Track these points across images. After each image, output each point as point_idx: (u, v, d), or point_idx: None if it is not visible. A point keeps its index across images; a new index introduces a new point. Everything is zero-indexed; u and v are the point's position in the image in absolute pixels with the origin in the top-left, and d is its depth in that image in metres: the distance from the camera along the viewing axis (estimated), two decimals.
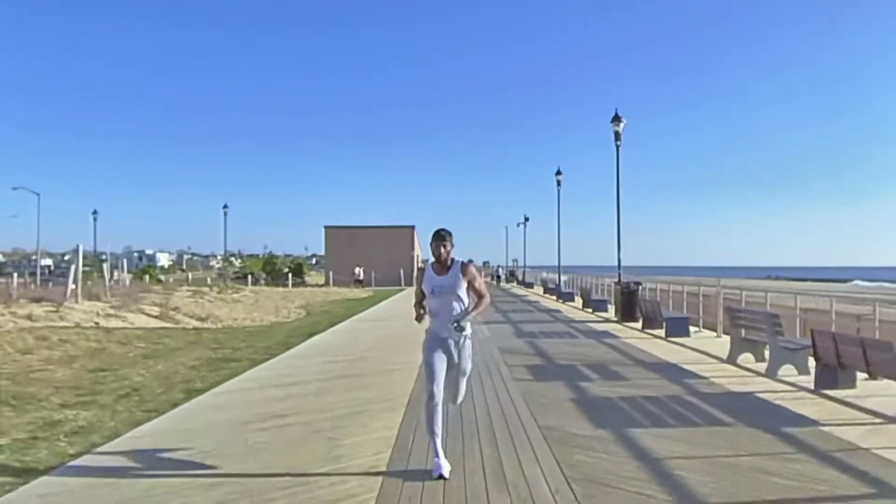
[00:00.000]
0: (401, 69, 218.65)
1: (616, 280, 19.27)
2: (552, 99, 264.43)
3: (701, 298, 15.90)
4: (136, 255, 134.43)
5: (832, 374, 7.66)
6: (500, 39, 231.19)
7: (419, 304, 4.81)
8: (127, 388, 8.33)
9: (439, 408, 4.54)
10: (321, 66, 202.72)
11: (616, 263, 19.41)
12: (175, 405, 7.22)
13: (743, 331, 10.30)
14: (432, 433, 4.53)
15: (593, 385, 8.27)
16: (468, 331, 4.68)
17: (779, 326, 9.10)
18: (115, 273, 35.23)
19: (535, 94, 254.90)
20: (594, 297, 23.10)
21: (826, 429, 5.91)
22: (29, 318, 13.10)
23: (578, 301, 26.17)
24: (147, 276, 49.96)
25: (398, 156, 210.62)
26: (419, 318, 4.79)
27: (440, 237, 4.68)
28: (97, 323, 13.93)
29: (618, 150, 19.52)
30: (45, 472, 4.82)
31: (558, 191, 34.98)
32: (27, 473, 4.75)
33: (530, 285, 48.04)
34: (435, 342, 4.66)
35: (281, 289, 40.31)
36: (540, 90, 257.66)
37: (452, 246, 4.71)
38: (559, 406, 6.95)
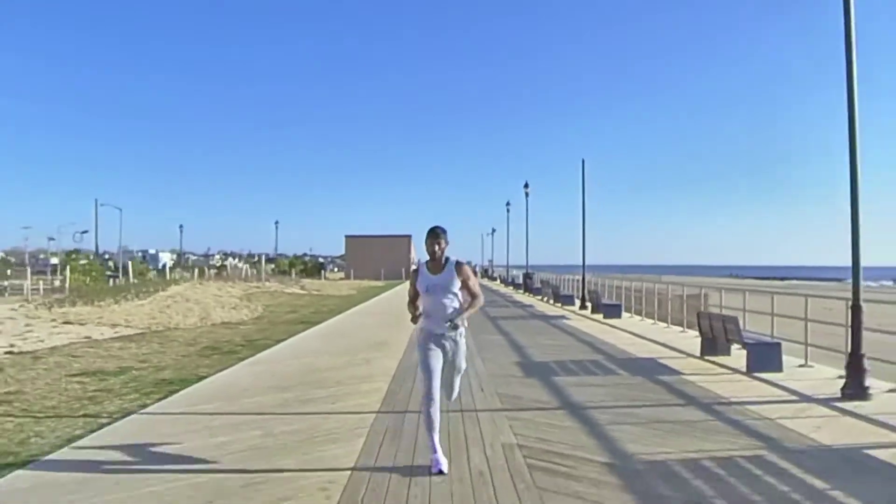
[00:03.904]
0: (396, 81, 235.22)
1: (525, 272, 36.89)
2: (525, 116, 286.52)
3: (559, 281, 33.22)
4: (139, 254, 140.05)
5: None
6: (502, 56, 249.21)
7: (412, 303, 4.83)
8: (332, 305, 25.32)
9: (437, 405, 4.60)
10: (315, 75, 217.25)
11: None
12: (354, 307, 24.11)
13: (550, 290, 27.60)
14: (430, 429, 4.59)
15: (492, 308, 25.40)
16: (462, 329, 4.73)
17: (556, 287, 26.36)
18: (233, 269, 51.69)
19: (514, 112, 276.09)
20: (516, 282, 40.80)
21: (548, 309, 23.12)
22: (258, 287, 29.99)
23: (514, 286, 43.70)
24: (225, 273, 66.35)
25: (395, 163, 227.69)
26: (414, 319, 4.80)
27: (434, 235, 4.67)
28: (283, 290, 30.90)
29: (527, 206, 36.86)
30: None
31: (507, 216, 51.63)
32: (332, 316, 21.67)
33: (495, 279, 65.87)
34: (430, 340, 4.70)
35: (320, 281, 56.98)
36: (514, 111, 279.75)
37: (447, 244, 4.70)
38: None
